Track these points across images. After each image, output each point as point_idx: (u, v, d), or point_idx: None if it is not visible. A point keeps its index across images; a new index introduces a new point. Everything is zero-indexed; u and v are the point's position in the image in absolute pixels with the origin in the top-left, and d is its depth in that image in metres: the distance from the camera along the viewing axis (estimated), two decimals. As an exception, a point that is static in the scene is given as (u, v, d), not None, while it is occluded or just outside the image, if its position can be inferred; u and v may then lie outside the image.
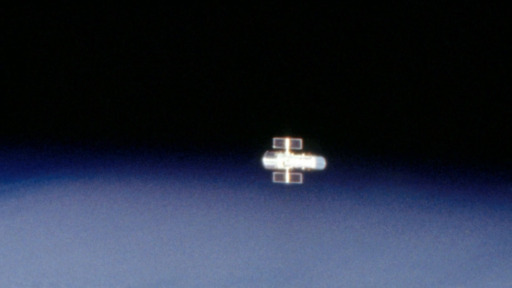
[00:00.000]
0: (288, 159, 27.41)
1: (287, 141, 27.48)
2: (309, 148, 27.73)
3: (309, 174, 27.77)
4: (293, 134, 27.71)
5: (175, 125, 72.88)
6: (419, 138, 65.60)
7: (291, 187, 38.59)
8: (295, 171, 27.62)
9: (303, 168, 27.56)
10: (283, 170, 27.61)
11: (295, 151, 27.55)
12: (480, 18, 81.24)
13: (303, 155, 27.44)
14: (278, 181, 27.85)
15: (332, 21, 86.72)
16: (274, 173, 28.05)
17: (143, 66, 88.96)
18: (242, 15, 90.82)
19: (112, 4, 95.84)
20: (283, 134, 27.58)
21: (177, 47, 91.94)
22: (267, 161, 27.81)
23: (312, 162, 27.38)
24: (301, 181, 27.77)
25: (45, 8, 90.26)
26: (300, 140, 27.27)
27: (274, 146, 27.89)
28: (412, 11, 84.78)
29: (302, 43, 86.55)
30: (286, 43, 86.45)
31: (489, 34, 78.18)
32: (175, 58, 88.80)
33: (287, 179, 27.76)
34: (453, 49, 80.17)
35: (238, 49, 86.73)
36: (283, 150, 27.60)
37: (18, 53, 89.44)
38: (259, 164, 27.38)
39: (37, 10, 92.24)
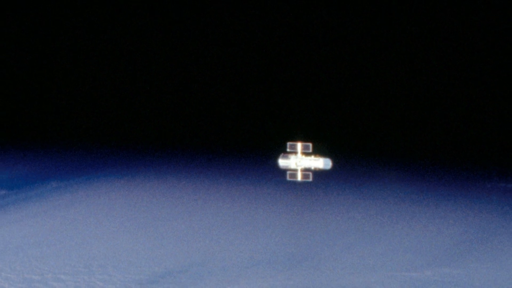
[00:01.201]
0: (300, 160, 27.14)
1: (299, 145, 27.21)
2: (318, 151, 27.45)
3: (318, 173, 27.51)
4: (304, 139, 27.40)
5: (206, 132, 73.28)
6: (410, 144, 66.02)
7: (302, 184, 38.57)
8: (306, 170, 27.35)
9: (312, 168, 27.31)
10: (295, 170, 27.35)
11: (306, 153, 27.29)
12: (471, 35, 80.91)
13: (312, 157, 27.18)
14: (292, 179, 27.59)
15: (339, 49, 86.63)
16: (288, 172, 27.79)
17: (179, 83, 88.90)
18: (268, 35, 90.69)
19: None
20: (295, 139, 27.27)
21: (213, 66, 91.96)
22: (282, 162, 27.55)
23: (320, 163, 27.11)
24: (311, 179, 27.49)
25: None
26: (310, 144, 27.00)
27: (288, 150, 27.63)
28: (417, 34, 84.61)
29: (314, 65, 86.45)
30: (301, 65, 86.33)
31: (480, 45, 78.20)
32: (212, 77, 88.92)
33: (299, 177, 27.48)
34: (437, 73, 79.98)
35: (264, 74, 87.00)
36: (295, 152, 27.33)
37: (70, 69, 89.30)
38: (276, 164, 27.13)
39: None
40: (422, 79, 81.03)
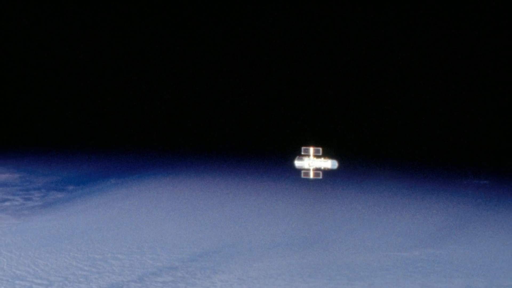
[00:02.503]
0: (312, 162, 27.13)
1: (311, 149, 27.19)
2: (326, 154, 27.46)
3: (326, 172, 27.53)
4: (315, 144, 27.42)
5: (237, 139, 73.48)
6: (402, 149, 65.91)
7: (314, 181, 38.31)
8: (317, 170, 27.34)
9: (322, 167, 27.29)
10: (308, 169, 27.33)
11: (317, 156, 27.28)
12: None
13: (322, 159, 27.17)
14: (305, 177, 27.57)
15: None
16: (302, 171, 27.78)
17: (216, 100, 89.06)
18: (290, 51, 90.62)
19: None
20: (308, 144, 27.30)
21: (246, 84, 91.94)
22: (297, 163, 27.53)
23: (328, 163, 27.10)
24: (321, 177, 27.48)
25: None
26: (320, 149, 27.00)
27: (302, 153, 27.62)
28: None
29: (324, 83, 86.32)
30: (314, 84, 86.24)
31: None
32: (243, 95, 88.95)
33: (311, 175, 27.45)
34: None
35: (285, 94, 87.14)
36: (308, 155, 27.32)
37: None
38: (292, 165, 27.18)
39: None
40: (410, 96, 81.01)
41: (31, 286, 23.65)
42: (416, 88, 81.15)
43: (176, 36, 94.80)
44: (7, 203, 39.67)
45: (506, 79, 75.55)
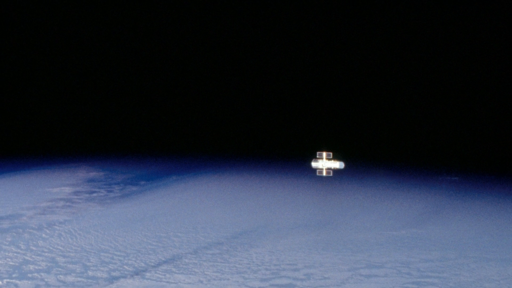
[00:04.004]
0: (324, 163, 27.00)
1: (324, 154, 27.05)
2: (336, 157, 27.34)
3: (336, 171, 27.41)
4: (327, 150, 27.29)
5: (268, 146, 73.68)
6: (392, 154, 65.73)
7: (326, 177, 38.18)
8: (328, 169, 27.21)
9: (332, 167, 27.15)
10: (322, 169, 27.19)
11: (328, 158, 27.14)
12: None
13: (332, 161, 27.05)
14: (319, 175, 27.43)
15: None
16: (317, 170, 27.66)
17: (252, 115, 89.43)
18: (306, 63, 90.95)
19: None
20: (322, 150, 27.18)
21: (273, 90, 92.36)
22: (313, 164, 27.41)
23: (337, 164, 26.95)
24: (331, 174, 27.33)
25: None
26: (331, 153, 26.87)
27: (317, 156, 27.49)
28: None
29: (335, 102, 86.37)
30: (328, 103, 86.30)
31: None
32: (273, 112, 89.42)
33: (324, 173, 27.32)
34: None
35: (307, 110, 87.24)
36: (322, 158, 27.18)
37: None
38: (309, 165, 27.10)
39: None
40: (398, 113, 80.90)
41: (112, 257, 23.77)
42: (401, 108, 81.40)
43: (217, 57, 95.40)
44: (94, 194, 39.92)
45: (471, 101, 75.31)
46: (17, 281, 20.23)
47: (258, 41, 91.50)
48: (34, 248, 24.88)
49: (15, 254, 23.85)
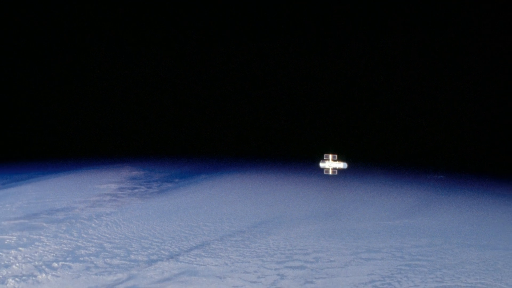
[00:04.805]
0: (331, 164, 27.15)
1: (330, 156, 27.21)
2: (340, 159, 27.45)
3: (340, 171, 27.52)
4: (333, 152, 27.43)
5: (284, 150, 73.63)
6: (387, 156, 65.48)
7: (332, 176, 38.25)
8: (334, 169, 27.34)
9: (337, 168, 27.28)
10: (328, 169, 27.34)
11: (334, 160, 27.28)
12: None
13: (337, 162, 27.18)
14: (326, 174, 27.57)
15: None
16: (324, 170, 27.78)
17: (267, 123, 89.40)
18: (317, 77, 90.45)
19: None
20: (328, 152, 27.32)
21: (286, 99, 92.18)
22: (321, 165, 27.56)
23: (342, 165, 27.10)
24: (336, 173, 27.45)
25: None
26: (336, 155, 27.02)
27: (324, 158, 27.63)
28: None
29: (341, 111, 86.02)
30: (334, 112, 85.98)
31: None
32: (289, 121, 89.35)
33: (330, 173, 27.44)
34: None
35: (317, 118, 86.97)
36: (328, 159, 27.33)
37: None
38: (318, 166, 27.21)
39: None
40: (391, 118, 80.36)
41: (151, 243, 24.10)
42: (394, 114, 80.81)
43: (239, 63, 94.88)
44: (136, 190, 40.23)
45: (456, 106, 74.59)
46: (71, 264, 20.67)
47: (282, 53, 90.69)
48: (85, 236, 25.31)
49: (69, 240, 24.31)
